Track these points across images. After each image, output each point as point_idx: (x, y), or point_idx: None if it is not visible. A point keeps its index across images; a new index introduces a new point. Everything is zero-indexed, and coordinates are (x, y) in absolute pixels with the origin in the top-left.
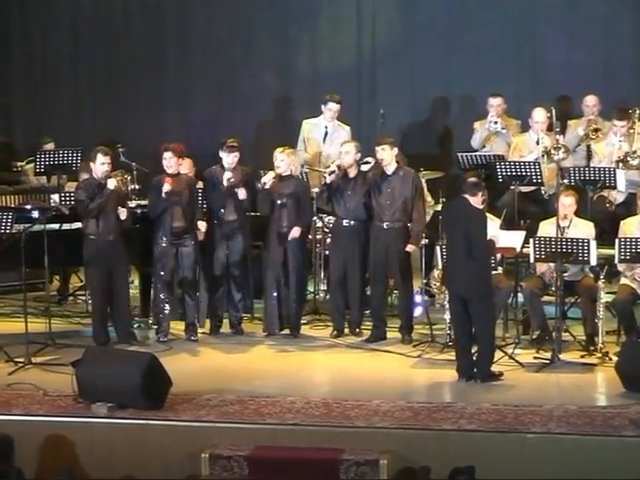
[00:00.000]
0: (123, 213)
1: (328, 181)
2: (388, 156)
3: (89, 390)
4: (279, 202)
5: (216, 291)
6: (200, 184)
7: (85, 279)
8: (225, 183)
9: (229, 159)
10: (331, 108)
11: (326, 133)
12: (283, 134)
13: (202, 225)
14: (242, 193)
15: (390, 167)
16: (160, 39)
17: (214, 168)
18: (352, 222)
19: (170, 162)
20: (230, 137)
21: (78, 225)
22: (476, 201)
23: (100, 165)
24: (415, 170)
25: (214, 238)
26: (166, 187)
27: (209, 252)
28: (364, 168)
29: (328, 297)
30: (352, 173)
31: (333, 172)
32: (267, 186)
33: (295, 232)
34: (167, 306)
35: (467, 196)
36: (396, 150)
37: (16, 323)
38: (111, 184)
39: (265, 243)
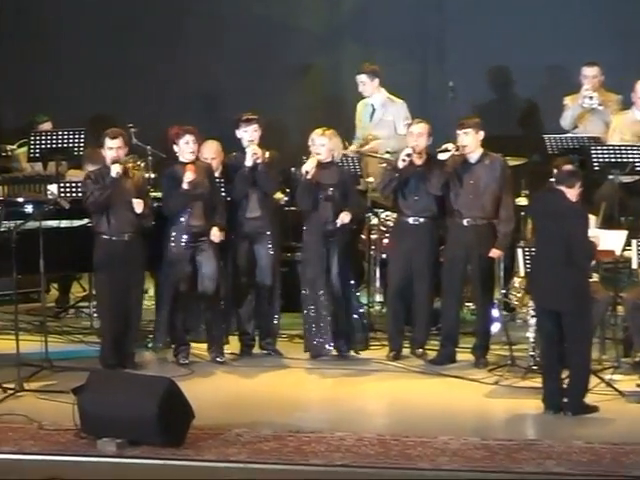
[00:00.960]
0: (139, 205)
1: (400, 166)
2: (472, 142)
3: (94, 423)
4: (321, 195)
5: (241, 303)
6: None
7: (93, 288)
8: (248, 162)
9: (248, 134)
10: (359, 81)
11: (373, 111)
12: (331, 115)
13: (215, 235)
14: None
15: (474, 154)
16: (177, 2)
17: (235, 154)
18: (421, 219)
19: (193, 147)
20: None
21: (81, 222)
22: (573, 194)
23: (108, 150)
24: None
25: (235, 239)
26: (188, 176)
27: (231, 256)
28: (442, 157)
29: (385, 310)
30: (419, 161)
31: (409, 155)
32: (309, 176)
33: (345, 217)
34: (180, 322)
35: (563, 188)
36: (482, 134)
37: (6, 341)
38: (114, 170)
39: (303, 245)
